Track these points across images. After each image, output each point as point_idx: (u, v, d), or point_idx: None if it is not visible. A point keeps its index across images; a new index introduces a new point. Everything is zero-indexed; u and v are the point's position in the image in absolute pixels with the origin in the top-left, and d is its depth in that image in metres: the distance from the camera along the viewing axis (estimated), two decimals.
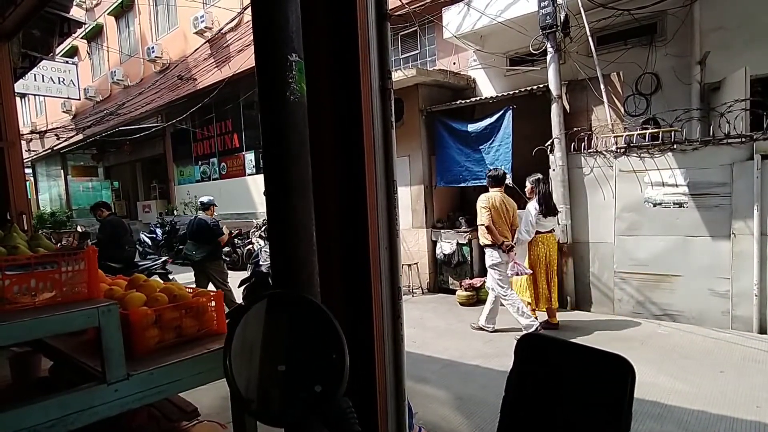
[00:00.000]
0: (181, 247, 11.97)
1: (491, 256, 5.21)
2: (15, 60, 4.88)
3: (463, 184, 7.34)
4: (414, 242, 7.58)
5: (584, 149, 5.96)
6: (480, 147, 6.88)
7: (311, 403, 0.81)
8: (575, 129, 6.09)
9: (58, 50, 5.37)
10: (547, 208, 5.24)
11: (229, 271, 10.03)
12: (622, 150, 5.65)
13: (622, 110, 6.05)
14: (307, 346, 0.82)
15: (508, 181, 6.56)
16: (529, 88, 6.37)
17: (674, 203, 5.33)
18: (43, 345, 1.93)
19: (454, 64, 8.10)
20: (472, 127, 6.96)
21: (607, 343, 4.56)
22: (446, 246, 7.24)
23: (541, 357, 0.90)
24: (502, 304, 5.29)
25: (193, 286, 2.09)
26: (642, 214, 5.56)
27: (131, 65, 15.39)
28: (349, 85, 1.42)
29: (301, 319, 0.84)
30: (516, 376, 0.92)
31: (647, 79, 6.42)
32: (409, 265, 7.43)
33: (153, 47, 13.77)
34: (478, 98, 7.26)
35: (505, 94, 6.73)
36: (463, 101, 7.21)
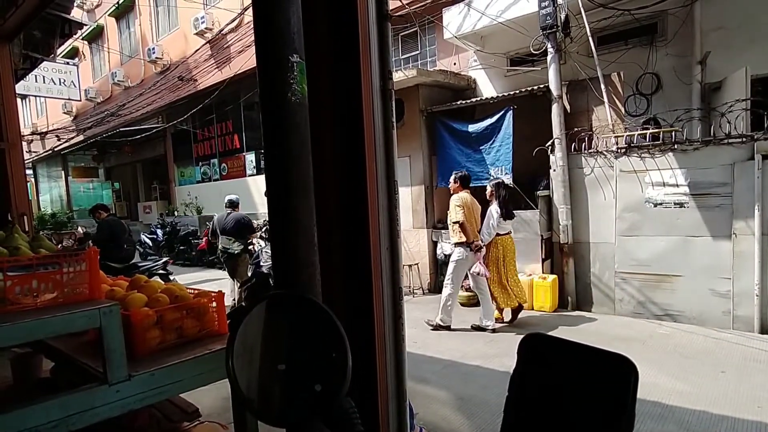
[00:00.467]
0: (183, 248, 12.00)
1: (459, 253, 5.42)
2: (16, 61, 4.89)
3: None
4: (415, 243, 7.58)
5: (585, 149, 5.96)
6: (481, 147, 6.88)
7: (311, 403, 0.81)
8: (576, 129, 6.09)
9: (58, 51, 5.38)
10: (507, 212, 5.52)
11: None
12: (623, 150, 5.65)
13: (623, 110, 6.05)
14: (307, 346, 0.82)
15: (509, 181, 6.57)
16: (529, 89, 6.37)
17: (675, 203, 5.32)
18: (44, 346, 1.93)
19: (455, 64, 8.11)
20: (472, 128, 6.96)
21: (608, 343, 4.56)
22: (447, 246, 7.22)
23: (545, 357, 0.90)
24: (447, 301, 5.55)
25: (195, 286, 2.09)
26: (643, 214, 5.56)
27: (132, 66, 15.40)
28: (350, 86, 1.43)
29: (301, 319, 0.84)
30: (519, 376, 0.92)
31: (648, 79, 6.42)
32: (410, 266, 7.43)
33: (153, 48, 13.78)
34: (478, 99, 7.26)
35: (505, 94, 6.73)
36: (463, 102, 7.21)
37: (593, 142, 5.93)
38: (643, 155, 5.51)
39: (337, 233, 1.48)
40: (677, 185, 5.29)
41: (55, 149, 18.51)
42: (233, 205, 7.00)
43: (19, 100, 5.19)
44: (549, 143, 6.17)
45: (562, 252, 6.20)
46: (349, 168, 1.45)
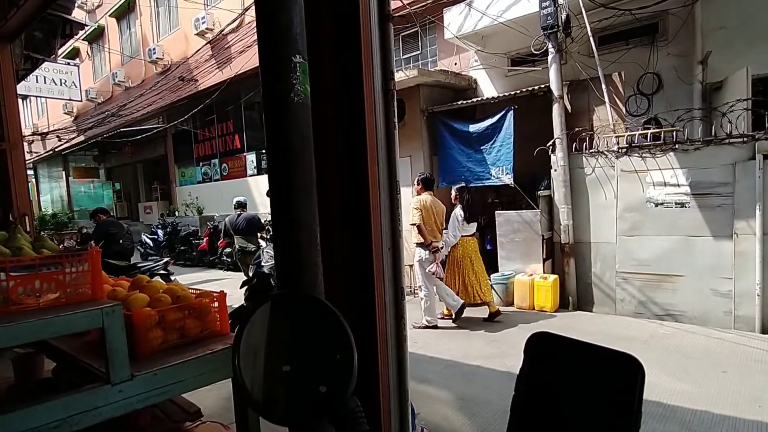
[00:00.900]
0: (183, 248, 12.01)
1: (419, 254, 5.60)
2: (17, 62, 4.89)
3: (465, 185, 7.34)
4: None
5: (586, 149, 5.96)
6: (481, 147, 6.89)
7: (316, 404, 0.81)
8: (577, 129, 6.09)
9: (59, 52, 5.38)
10: (470, 215, 5.77)
11: (231, 273, 10.13)
12: (624, 150, 5.64)
13: (624, 110, 6.05)
14: (313, 347, 0.82)
15: (509, 181, 6.57)
16: (530, 89, 6.37)
17: (676, 203, 5.32)
18: (46, 346, 1.94)
19: (456, 64, 8.11)
20: (473, 128, 6.96)
21: (610, 343, 4.52)
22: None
23: (551, 356, 0.89)
24: (434, 295, 5.72)
25: (196, 287, 2.09)
26: (644, 214, 5.55)
27: (132, 66, 15.41)
28: (352, 86, 1.43)
29: (307, 319, 0.84)
30: (526, 375, 0.92)
31: (649, 79, 6.42)
32: (410, 266, 7.41)
33: (154, 48, 13.79)
34: (479, 99, 7.27)
35: (506, 94, 6.73)
36: (464, 102, 7.21)
37: (594, 142, 5.93)
38: (644, 155, 5.51)
39: (338, 233, 1.48)
40: (678, 185, 5.29)
41: (56, 150, 18.53)
42: (241, 206, 7.47)
43: (20, 101, 5.19)
44: (550, 143, 6.17)
45: (563, 252, 6.20)
46: (351, 168, 1.45)
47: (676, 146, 5.29)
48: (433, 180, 5.88)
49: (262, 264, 4.63)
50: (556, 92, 6.07)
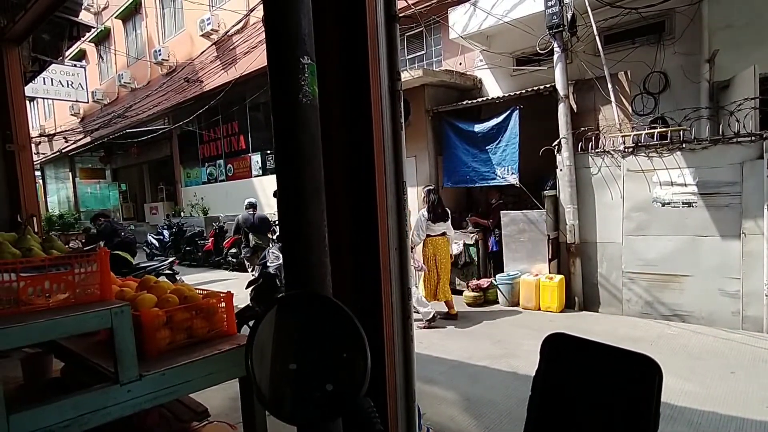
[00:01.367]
0: (189, 248, 12.06)
1: None
2: (25, 64, 4.93)
3: (470, 185, 7.34)
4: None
5: (592, 149, 5.93)
6: (487, 147, 6.87)
7: (322, 402, 0.81)
8: (582, 129, 6.06)
9: (66, 54, 5.42)
10: (435, 215, 5.85)
11: (237, 273, 10.18)
12: (630, 149, 5.61)
13: (630, 109, 6.02)
14: (320, 346, 0.83)
15: (515, 181, 6.55)
16: (535, 88, 6.35)
17: (683, 203, 5.29)
18: (54, 346, 1.95)
19: (461, 64, 8.09)
20: (478, 128, 6.94)
21: (617, 344, 4.52)
22: (453, 247, 7.20)
23: (567, 356, 0.89)
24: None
25: (202, 287, 2.10)
26: (650, 213, 5.52)
27: (138, 68, 15.50)
28: (359, 87, 1.43)
29: (316, 318, 0.84)
30: (542, 376, 0.91)
31: (655, 78, 6.38)
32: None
33: (160, 50, 13.87)
34: (484, 98, 7.25)
35: (511, 94, 6.71)
36: (469, 101, 7.19)
37: (600, 141, 5.90)
38: (650, 154, 5.48)
39: (345, 233, 1.49)
40: (685, 185, 5.25)
41: (63, 151, 18.67)
42: (253, 206, 8.09)
43: (27, 102, 5.24)
44: (555, 143, 6.15)
45: (569, 252, 6.17)
46: (358, 168, 1.45)
47: (683, 145, 5.25)
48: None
49: (268, 264, 4.64)
50: (561, 92, 6.04)
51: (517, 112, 6.49)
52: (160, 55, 13.80)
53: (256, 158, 12.64)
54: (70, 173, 21.28)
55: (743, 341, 4.68)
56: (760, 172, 4.78)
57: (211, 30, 11.74)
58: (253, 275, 7.14)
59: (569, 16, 5.89)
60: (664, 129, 5.53)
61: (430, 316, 5.63)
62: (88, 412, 1.36)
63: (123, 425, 1.79)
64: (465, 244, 7.11)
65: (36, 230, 4.27)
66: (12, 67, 4.27)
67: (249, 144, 12.85)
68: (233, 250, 10.99)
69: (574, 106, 6.20)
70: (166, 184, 16.92)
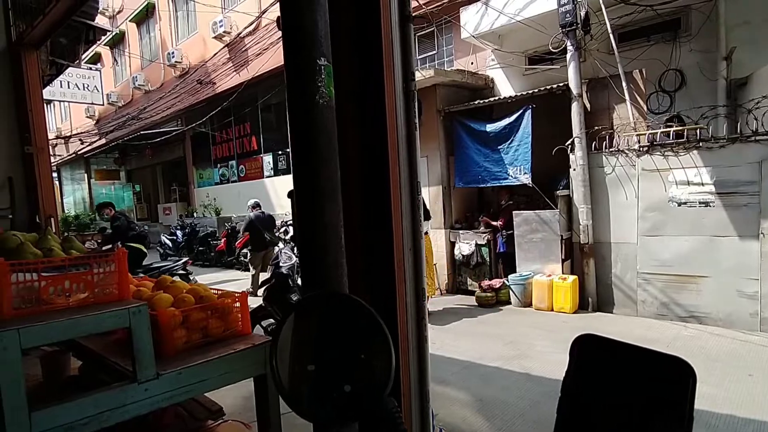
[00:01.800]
0: (202, 248, 12.20)
1: None
2: (43, 68, 5.02)
3: (482, 185, 7.30)
4: (432, 243, 7.55)
5: (606, 148, 5.86)
6: (499, 147, 6.82)
7: (340, 403, 0.81)
8: (596, 128, 6.00)
9: (83, 57, 5.52)
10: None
11: (248, 273, 10.27)
12: (645, 148, 5.54)
13: (645, 108, 5.94)
14: (341, 346, 0.83)
15: (527, 181, 6.50)
16: (548, 87, 6.29)
17: (700, 202, 5.20)
18: (72, 344, 1.98)
19: (472, 63, 8.06)
20: (490, 127, 6.90)
21: None
22: (465, 247, 7.20)
23: (598, 358, 0.88)
24: None
25: (215, 287, 2.12)
26: (666, 213, 5.44)
27: (152, 70, 15.69)
28: (373, 88, 1.43)
29: (339, 318, 0.84)
30: (572, 377, 0.90)
31: (671, 76, 6.28)
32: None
33: (173, 52, 14.02)
34: (496, 98, 7.21)
35: (523, 93, 6.66)
36: (481, 101, 7.16)
37: (614, 140, 5.83)
38: (666, 153, 5.40)
39: (360, 234, 1.49)
40: (702, 184, 5.17)
41: (79, 152, 18.98)
42: (259, 205, 8.54)
43: (45, 105, 5.33)
44: (569, 142, 6.09)
45: (583, 252, 6.11)
46: (372, 169, 1.45)
47: (700, 144, 5.17)
48: None
49: (281, 264, 4.67)
50: (575, 90, 5.98)
51: (529, 111, 6.43)
52: (173, 57, 13.96)
53: (267, 159, 12.72)
54: (86, 174, 21.62)
55: (762, 343, 4.59)
56: None
57: (224, 32, 11.84)
58: (253, 275, 8.30)
59: (583, 14, 5.83)
60: (680, 127, 5.45)
61: None
62: (108, 409, 1.38)
63: (140, 423, 1.81)
64: (477, 245, 7.08)
65: (54, 231, 4.34)
66: (31, 70, 4.35)
67: (261, 145, 12.94)
68: (245, 250, 11.08)
69: (588, 105, 6.13)
70: (179, 184, 17.11)
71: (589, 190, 5.99)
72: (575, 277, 6.08)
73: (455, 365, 4.48)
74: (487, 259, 7.04)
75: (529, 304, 6.35)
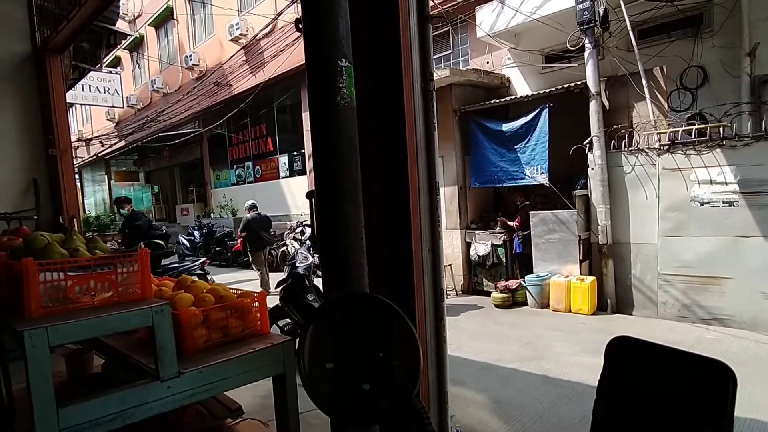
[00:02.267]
0: (219, 249, 12.35)
1: None
2: (66, 72, 5.15)
3: (498, 185, 7.24)
4: (448, 243, 7.51)
5: (625, 147, 5.77)
6: (515, 146, 6.76)
7: (360, 402, 0.81)
8: (615, 126, 5.90)
9: (104, 61, 5.65)
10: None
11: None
12: (666, 147, 5.43)
13: (666, 106, 5.82)
14: (363, 345, 0.83)
15: (544, 180, 6.43)
16: (566, 86, 6.21)
17: (723, 202, 5.08)
18: (95, 342, 2.02)
19: (488, 63, 8.00)
20: (507, 127, 6.85)
21: None
22: (480, 247, 7.15)
23: (635, 360, 0.87)
24: None
25: (234, 286, 2.14)
26: (688, 213, 5.32)
27: (170, 73, 15.94)
28: (392, 88, 1.43)
29: (363, 319, 0.84)
30: (608, 379, 0.89)
31: (693, 73, 6.15)
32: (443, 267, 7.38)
33: (191, 55, 14.23)
34: (512, 97, 7.15)
35: (540, 92, 6.59)
36: (497, 100, 7.11)
37: (634, 139, 5.73)
38: (688, 152, 5.29)
39: (378, 234, 1.49)
40: (726, 183, 5.04)
41: (99, 154, 19.37)
42: (256, 207, 8.86)
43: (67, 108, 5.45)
44: (587, 141, 6.01)
45: (601, 253, 6.02)
46: (391, 169, 1.45)
47: (724, 142, 5.05)
48: None
49: (297, 265, 4.70)
50: (593, 89, 5.90)
51: (546, 110, 6.36)
52: (190, 60, 14.16)
53: (283, 160, 12.81)
54: (106, 176, 22.08)
55: None
56: None
57: (240, 34, 11.97)
58: (261, 273, 8.61)
59: (601, 11, 5.74)
60: (702, 125, 5.33)
61: None
62: (132, 406, 1.41)
63: (161, 421, 1.83)
64: (493, 245, 7.02)
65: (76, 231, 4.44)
66: (55, 75, 4.46)
67: (276, 146, 13.05)
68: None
69: (606, 104, 6.04)
70: (197, 185, 17.35)
71: (608, 190, 5.90)
72: (593, 278, 5.99)
73: (472, 366, 4.46)
74: (504, 259, 6.99)
75: (547, 306, 6.28)
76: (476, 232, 7.29)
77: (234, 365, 1.69)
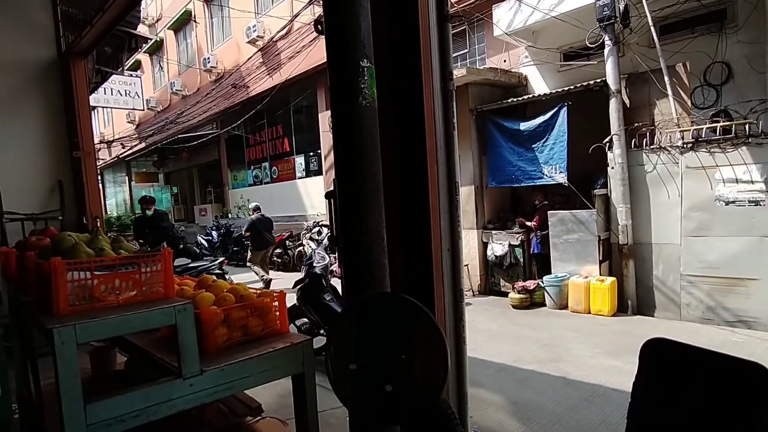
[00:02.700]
0: (236, 248, 12.50)
1: None
2: (90, 76, 5.28)
3: (516, 185, 7.17)
4: (464, 244, 7.44)
5: (646, 145, 5.65)
6: (533, 146, 6.69)
7: (383, 403, 0.81)
8: (636, 124, 5.79)
9: (125, 64, 5.77)
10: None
11: (282, 273, 10.56)
12: (690, 145, 5.31)
13: (689, 103, 5.69)
14: (387, 346, 0.83)
15: (563, 180, 6.34)
16: (585, 84, 6.12)
17: (750, 201, 4.94)
18: (119, 340, 2.06)
19: (505, 61, 7.93)
20: (524, 126, 6.78)
21: None
22: (497, 247, 7.09)
23: (671, 363, 0.85)
24: None
25: (254, 286, 2.16)
26: (712, 213, 5.19)
27: (189, 76, 16.19)
28: (411, 87, 1.42)
29: (387, 319, 0.84)
30: (643, 382, 0.87)
31: (717, 69, 5.98)
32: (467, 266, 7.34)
33: (209, 58, 14.43)
34: (530, 95, 7.07)
35: (558, 90, 6.51)
36: (514, 99, 7.04)
37: (655, 137, 5.61)
38: (712, 150, 5.16)
39: (398, 234, 1.48)
40: (752, 182, 4.91)
41: (120, 156, 19.77)
42: (259, 208, 9.14)
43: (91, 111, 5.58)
44: (607, 140, 5.91)
45: (622, 253, 5.91)
46: (410, 169, 1.45)
47: (749, 140, 4.91)
48: None
49: (314, 265, 4.73)
50: (613, 86, 5.79)
51: (565, 108, 6.28)
52: (209, 62, 14.35)
53: (299, 160, 12.90)
54: (127, 177, 22.53)
55: None
56: None
57: (257, 36, 12.09)
58: (256, 271, 8.81)
59: (622, 7, 5.64)
60: (727, 123, 5.19)
61: None
62: (155, 404, 1.43)
63: (183, 419, 1.86)
64: (510, 245, 6.96)
65: None
66: (79, 79, 4.57)
67: (293, 146, 13.14)
68: (278, 251, 11.28)
69: (627, 101, 5.93)
70: (215, 186, 17.58)
71: (629, 189, 5.79)
72: (614, 278, 5.89)
73: (489, 367, 4.42)
74: (521, 260, 6.91)
75: (565, 307, 6.19)
76: (493, 232, 7.23)
77: (254, 364, 1.70)
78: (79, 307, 1.47)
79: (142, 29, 15.71)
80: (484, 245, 7.33)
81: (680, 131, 5.43)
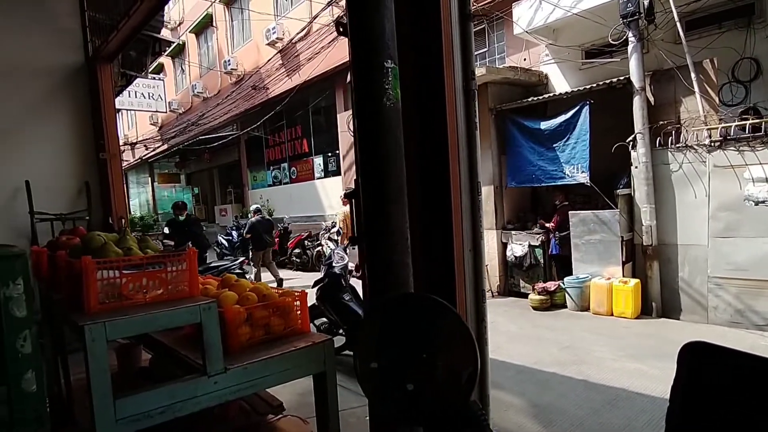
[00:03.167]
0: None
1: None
2: (115, 79, 5.41)
3: (536, 185, 7.08)
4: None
5: (672, 144, 5.52)
6: (554, 145, 6.59)
7: (406, 402, 0.81)
8: (661, 123, 5.66)
9: (149, 68, 5.91)
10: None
11: (300, 273, 10.67)
12: (717, 143, 5.16)
13: (717, 100, 5.53)
14: (411, 346, 0.83)
15: (585, 180, 6.23)
16: (607, 81, 6.01)
17: None
18: (144, 337, 2.10)
19: (525, 60, 7.84)
20: (545, 125, 6.68)
21: None
22: (517, 248, 7.01)
23: (711, 367, 0.82)
24: None
25: (273, 285, 2.18)
26: (741, 213, 5.04)
27: (210, 78, 16.46)
28: (433, 86, 1.42)
29: (414, 319, 0.84)
30: (683, 387, 0.85)
31: (746, 65, 5.80)
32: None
33: (229, 60, 14.64)
34: (551, 94, 6.97)
35: (580, 88, 6.40)
36: (535, 98, 6.95)
37: (681, 135, 5.47)
38: (741, 148, 5.01)
39: (420, 234, 1.48)
40: None
41: (143, 158, 20.21)
42: (260, 211, 9.51)
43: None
44: (630, 138, 5.78)
45: (646, 254, 5.78)
46: (432, 168, 1.45)
47: None
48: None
49: (333, 265, 4.75)
50: (637, 84, 5.67)
51: (587, 107, 6.16)
52: (229, 65, 14.57)
53: (318, 161, 12.99)
54: (149, 178, 23.03)
55: None
56: None
57: (277, 38, 12.22)
58: (255, 272, 9.09)
59: (646, 2, 5.51)
60: (757, 120, 5.03)
61: None
62: (181, 400, 1.46)
63: (206, 416, 1.89)
64: (530, 246, 6.87)
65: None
66: (105, 82, 4.69)
67: (312, 147, 13.24)
68: (297, 250, 11.38)
69: (651, 99, 5.80)
70: (235, 187, 17.83)
71: (653, 189, 5.66)
72: (637, 280, 5.76)
73: (509, 369, 4.38)
74: (541, 260, 6.83)
75: (587, 308, 6.09)
76: (513, 232, 7.16)
77: (277, 363, 1.72)
78: (108, 305, 1.51)
79: (164, 33, 16.07)
80: (504, 246, 7.26)
81: (707, 129, 5.28)
